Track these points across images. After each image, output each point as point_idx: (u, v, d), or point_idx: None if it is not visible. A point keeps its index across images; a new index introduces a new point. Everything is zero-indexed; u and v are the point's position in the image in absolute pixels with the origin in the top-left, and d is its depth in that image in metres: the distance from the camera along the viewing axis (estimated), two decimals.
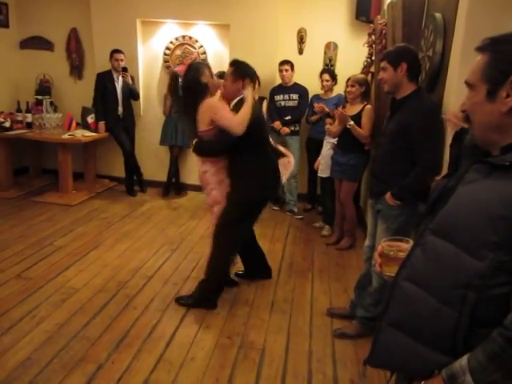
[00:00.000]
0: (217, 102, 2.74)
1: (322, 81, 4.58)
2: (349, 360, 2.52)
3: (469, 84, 1.06)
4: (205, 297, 2.96)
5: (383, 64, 2.33)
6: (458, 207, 1.02)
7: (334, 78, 4.59)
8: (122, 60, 5.02)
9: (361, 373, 2.39)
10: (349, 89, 3.71)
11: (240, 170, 2.81)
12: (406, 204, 2.30)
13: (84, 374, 2.27)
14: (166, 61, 5.45)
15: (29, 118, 5.25)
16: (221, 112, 2.67)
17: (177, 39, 5.39)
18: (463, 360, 0.95)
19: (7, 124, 4.95)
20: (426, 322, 1.02)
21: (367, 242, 2.69)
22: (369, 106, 3.67)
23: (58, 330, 2.63)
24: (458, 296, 0.96)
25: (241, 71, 2.75)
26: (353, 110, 3.71)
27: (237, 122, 2.61)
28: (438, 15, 2.46)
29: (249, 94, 2.68)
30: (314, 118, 4.65)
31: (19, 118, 5.25)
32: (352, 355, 2.56)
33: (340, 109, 3.70)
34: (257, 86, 4.82)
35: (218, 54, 5.40)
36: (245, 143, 2.70)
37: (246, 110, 2.63)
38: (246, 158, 2.77)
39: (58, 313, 2.80)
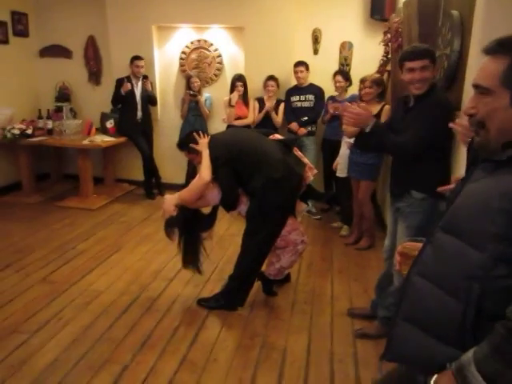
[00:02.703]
0: (180, 197, 2.92)
1: (335, 82, 4.57)
2: (371, 360, 2.52)
3: (483, 88, 1.04)
4: (227, 294, 2.99)
5: (424, 62, 2.23)
6: (463, 203, 1.08)
7: (347, 79, 4.59)
8: (142, 67, 5.11)
9: (378, 368, 2.39)
10: (367, 90, 3.70)
11: (253, 193, 2.85)
12: (427, 202, 2.28)
13: (110, 374, 2.32)
14: (181, 65, 5.53)
15: (49, 124, 5.37)
16: (185, 199, 2.88)
17: (192, 43, 5.46)
18: (470, 352, 0.97)
19: (29, 131, 5.06)
20: (435, 315, 1.06)
21: (387, 242, 2.67)
22: (388, 106, 3.67)
23: (83, 331, 2.69)
24: (463, 288, 1.00)
25: (186, 147, 3.02)
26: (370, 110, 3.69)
27: (199, 177, 2.82)
28: (454, 13, 2.44)
29: (201, 147, 2.90)
30: (327, 117, 4.65)
31: (40, 125, 5.38)
32: (374, 355, 2.55)
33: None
34: (275, 87, 4.89)
35: (233, 57, 5.45)
36: (243, 176, 2.83)
37: (204, 160, 2.85)
38: (251, 185, 2.83)
39: (82, 315, 2.87)
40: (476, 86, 1.06)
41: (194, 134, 2.97)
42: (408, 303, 1.13)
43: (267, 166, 2.79)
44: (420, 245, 1.28)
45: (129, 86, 5.05)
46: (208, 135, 3.01)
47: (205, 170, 2.80)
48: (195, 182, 2.84)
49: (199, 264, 3.01)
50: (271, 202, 2.80)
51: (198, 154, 2.93)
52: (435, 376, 1.03)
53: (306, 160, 3.05)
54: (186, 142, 3.04)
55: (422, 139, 2.19)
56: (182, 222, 2.91)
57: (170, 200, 2.92)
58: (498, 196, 0.97)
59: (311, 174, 3.03)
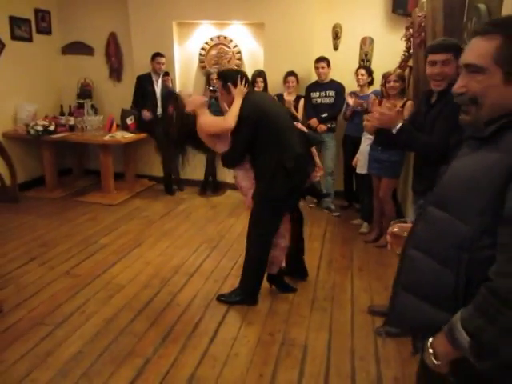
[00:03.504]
0: (201, 117, 2.88)
1: (358, 75, 4.53)
2: (392, 358, 2.50)
3: (476, 67, 1.07)
4: (245, 288, 3.01)
5: (446, 56, 2.19)
6: (450, 178, 1.14)
7: (370, 73, 4.55)
8: (163, 64, 5.16)
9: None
10: (392, 84, 3.65)
11: (260, 171, 2.86)
12: None
13: (133, 367, 2.35)
14: (201, 61, 5.55)
15: (71, 120, 5.45)
16: (203, 124, 2.85)
17: (212, 39, 5.47)
18: (458, 313, 1.04)
19: (52, 127, 5.13)
20: (430, 284, 1.12)
21: None
22: (410, 102, 3.61)
23: (106, 324, 2.73)
24: (453, 258, 1.06)
25: (224, 82, 2.91)
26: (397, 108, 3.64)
27: (224, 120, 2.79)
28: (482, 6, 2.38)
29: (237, 93, 2.84)
30: (348, 113, 4.60)
31: (62, 122, 5.46)
32: (395, 353, 2.54)
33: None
34: (295, 83, 4.86)
35: (252, 53, 5.45)
36: (258, 145, 2.81)
37: (234, 107, 2.82)
38: (262, 158, 2.82)
39: (105, 308, 2.91)
40: (467, 65, 1.10)
41: (239, 78, 2.86)
42: (405, 274, 1.21)
43: (283, 150, 2.78)
44: (409, 225, 1.36)
45: (149, 115, 5.17)
46: (249, 87, 2.94)
47: (232, 117, 2.78)
48: (219, 121, 2.83)
49: (178, 166, 3.09)
50: (277, 192, 2.81)
51: (230, 95, 2.88)
52: (431, 338, 1.11)
53: (317, 159, 3.07)
54: (227, 77, 2.92)
55: (448, 140, 2.15)
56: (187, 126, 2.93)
57: (197, 102, 2.91)
58: (482, 171, 1.02)
59: (318, 175, 3.05)
